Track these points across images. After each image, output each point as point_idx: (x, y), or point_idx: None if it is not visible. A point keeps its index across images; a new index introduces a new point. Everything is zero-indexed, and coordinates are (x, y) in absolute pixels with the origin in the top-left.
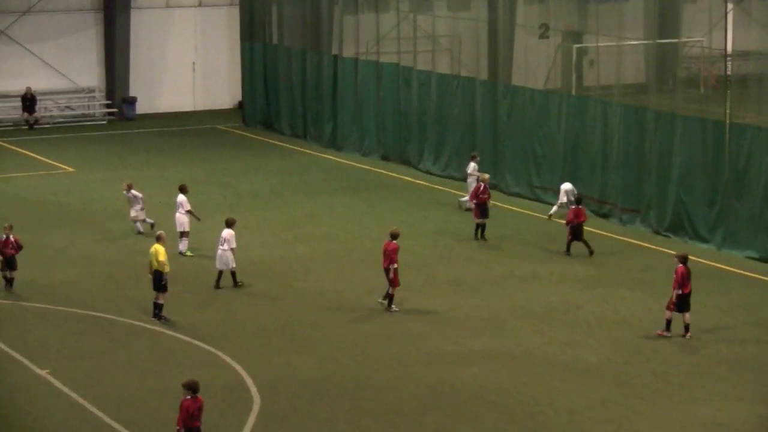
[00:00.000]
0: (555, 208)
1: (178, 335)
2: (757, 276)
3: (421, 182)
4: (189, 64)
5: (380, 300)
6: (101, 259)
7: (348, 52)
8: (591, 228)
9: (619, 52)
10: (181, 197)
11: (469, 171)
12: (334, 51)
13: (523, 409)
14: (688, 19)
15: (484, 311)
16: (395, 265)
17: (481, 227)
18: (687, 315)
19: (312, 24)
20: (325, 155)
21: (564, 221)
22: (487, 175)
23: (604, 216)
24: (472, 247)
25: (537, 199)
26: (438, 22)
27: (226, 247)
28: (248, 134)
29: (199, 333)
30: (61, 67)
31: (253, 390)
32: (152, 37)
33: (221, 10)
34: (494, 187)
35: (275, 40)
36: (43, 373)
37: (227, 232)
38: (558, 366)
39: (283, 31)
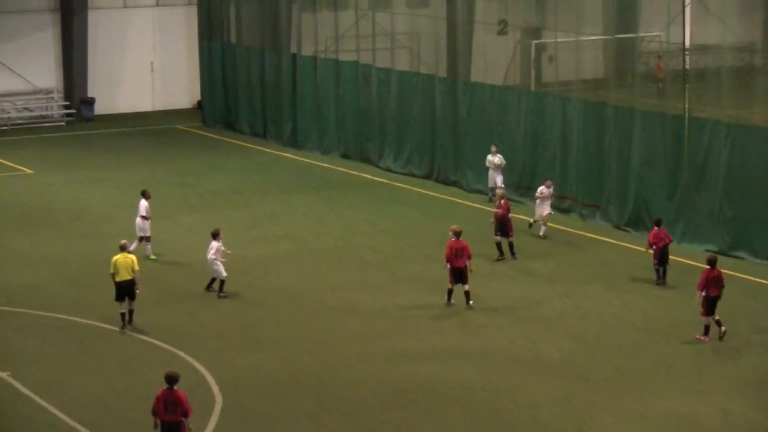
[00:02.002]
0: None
1: (140, 336)
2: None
3: (382, 180)
4: (147, 64)
5: (468, 304)
6: (62, 261)
7: (307, 50)
8: (551, 224)
9: (578, 48)
10: (141, 202)
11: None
12: (293, 49)
13: (486, 405)
14: (646, 14)
15: (445, 308)
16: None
17: (509, 245)
18: (711, 318)
19: (270, 23)
20: (285, 154)
21: (648, 246)
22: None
23: (565, 211)
24: (434, 245)
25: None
26: (397, 20)
27: (213, 256)
28: (208, 134)
29: (160, 334)
30: (18, 69)
31: (216, 389)
32: (110, 38)
33: (179, 9)
34: (455, 183)
35: (233, 40)
36: (3, 375)
37: (213, 244)
38: (520, 362)
39: (242, 30)
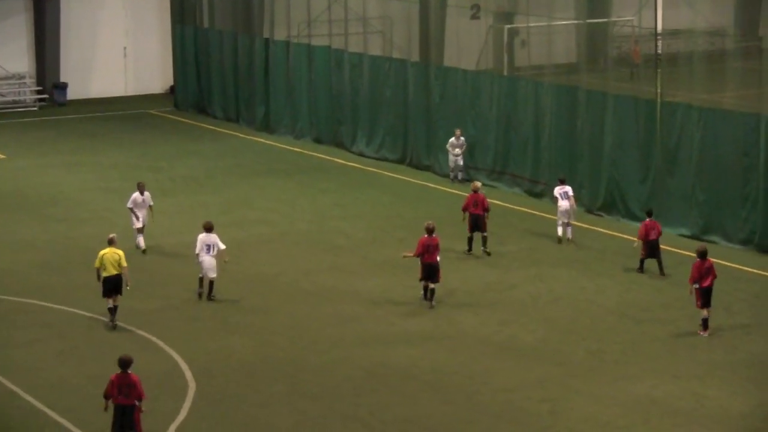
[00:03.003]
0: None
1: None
2: (689, 253)
3: (354, 164)
4: (120, 48)
5: (431, 303)
6: (35, 246)
7: (279, 34)
8: (524, 208)
9: (550, 33)
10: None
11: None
12: (266, 34)
13: (459, 389)
14: None
15: (418, 292)
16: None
17: (479, 240)
18: (708, 310)
19: (243, 7)
20: (258, 138)
21: (638, 240)
22: (479, 183)
23: (537, 195)
24: (406, 229)
25: (470, 179)
26: (369, 4)
27: (214, 252)
28: (180, 118)
29: (133, 319)
30: None
31: (188, 375)
32: (82, 22)
33: None
34: (428, 168)
35: (206, 24)
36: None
37: (212, 237)
38: (493, 346)
39: (214, 14)
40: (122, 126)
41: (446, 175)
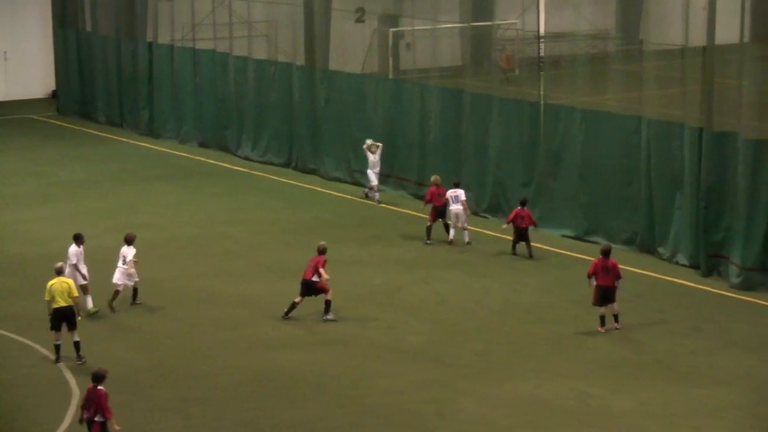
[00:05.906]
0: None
1: None
2: (573, 254)
3: (240, 168)
4: (0, 53)
5: (327, 317)
6: None
7: (163, 38)
8: (410, 210)
9: (435, 36)
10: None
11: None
12: (149, 38)
13: (347, 392)
14: (502, 2)
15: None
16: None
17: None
18: (614, 306)
19: (126, 10)
20: (143, 143)
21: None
22: (438, 177)
23: (423, 198)
24: (293, 233)
25: (356, 183)
26: (254, 8)
27: (128, 266)
28: (63, 123)
29: (15, 325)
30: None
31: (73, 382)
32: None
33: None
34: (313, 171)
35: (89, 28)
36: None
37: (127, 249)
38: (381, 348)
39: (97, 18)
40: (3, 131)
41: (333, 179)
